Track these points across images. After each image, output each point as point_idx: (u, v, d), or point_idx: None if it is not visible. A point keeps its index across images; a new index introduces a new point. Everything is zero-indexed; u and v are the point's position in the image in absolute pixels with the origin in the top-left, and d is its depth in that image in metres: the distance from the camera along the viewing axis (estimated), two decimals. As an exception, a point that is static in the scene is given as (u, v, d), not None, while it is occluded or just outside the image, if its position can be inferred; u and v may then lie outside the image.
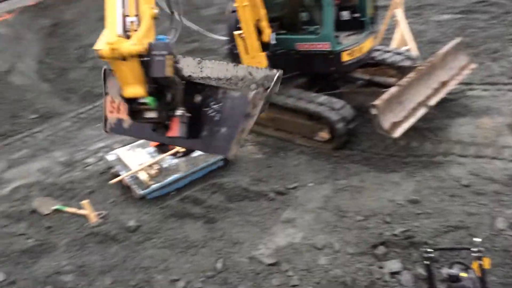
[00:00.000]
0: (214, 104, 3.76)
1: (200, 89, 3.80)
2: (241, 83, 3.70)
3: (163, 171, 7.04)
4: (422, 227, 5.26)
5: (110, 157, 7.55)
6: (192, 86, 3.82)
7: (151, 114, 3.60)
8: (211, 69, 3.80)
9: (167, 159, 7.26)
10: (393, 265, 4.89)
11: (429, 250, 3.62)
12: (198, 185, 6.91)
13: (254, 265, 5.38)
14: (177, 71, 3.50)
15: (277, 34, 7.47)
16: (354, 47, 7.49)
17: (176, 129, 3.64)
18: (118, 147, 8.19)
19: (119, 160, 7.39)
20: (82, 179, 7.47)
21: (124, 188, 7.01)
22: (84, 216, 6.41)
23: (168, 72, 3.32)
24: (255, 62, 7.19)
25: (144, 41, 3.26)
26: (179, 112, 3.60)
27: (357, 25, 7.83)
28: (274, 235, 5.83)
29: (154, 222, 6.27)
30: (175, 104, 3.58)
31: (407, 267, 4.81)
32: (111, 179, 7.15)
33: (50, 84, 12.24)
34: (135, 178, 6.91)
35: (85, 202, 6.41)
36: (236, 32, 7.31)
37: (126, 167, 7.16)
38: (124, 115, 3.93)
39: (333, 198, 6.23)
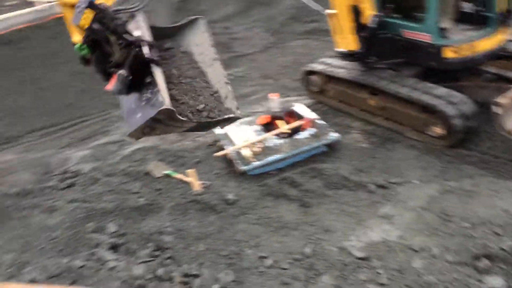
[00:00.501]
0: (151, 91, 3.94)
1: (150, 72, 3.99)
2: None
3: (266, 150, 7.20)
4: (537, 244, 4.69)
5: (218, 131, 7.92)
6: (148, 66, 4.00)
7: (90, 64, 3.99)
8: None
9: (272, 139, 7.40)
10: (495, 281, 4.45)
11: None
12: (298, 168, 6.94)
13: (343, 255, 5.31)
14: (116, 32, 3.74)
15: (385, 18, 7.05)
16: (462, 45, 6.76)
17: (111, 84, 3.89)
18: (228, 122, 8.57)
19: (226, 134, 7.73)
20: (192, 149, 7.96)
21: (228, 162, 7.34)
22: (189, 184, 6.86)
23: (82, 23, 3.63)
24: (345, 43, 6.91)
25: None
26: (120, 71, 3.82)
27: (480, 20, 7.05)
28: (369, 229, 5.66)
29: (251, 198, 6.48)
30: (114, 62, 3.84)
31: (511, 286, 4.35)
32: (216, 152, 7.54)
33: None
34: (238, 153, 7.18)
35: (191, 170, 6.86)
36: (327, 11, 7.07)
37: (231, 142, 7.46)
38: None
39: (439, 199, 5.82)
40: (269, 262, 5.30)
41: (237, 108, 4.25)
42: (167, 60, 4.38)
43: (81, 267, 4.47)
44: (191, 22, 4.48)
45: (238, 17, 12.50)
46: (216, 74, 4.33)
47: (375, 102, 7.85)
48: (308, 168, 6.89)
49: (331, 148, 7.30)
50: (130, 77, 4.01)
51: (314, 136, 7.35)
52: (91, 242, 5.24)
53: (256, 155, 7.06)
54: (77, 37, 3.83)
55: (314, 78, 8.96)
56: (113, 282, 4.31)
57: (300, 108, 8.08)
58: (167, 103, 3.79)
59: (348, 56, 8.11)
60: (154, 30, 4.21)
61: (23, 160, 8.19)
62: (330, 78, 8.66)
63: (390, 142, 7.32)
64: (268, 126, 7.71)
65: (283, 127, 7.53)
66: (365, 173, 6.64)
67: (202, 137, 8.44)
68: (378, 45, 7.36)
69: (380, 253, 5.20)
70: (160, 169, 7.43)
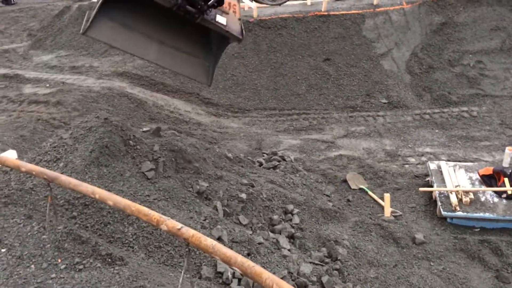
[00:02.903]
0: None
1: None
2: None
3: (477, 203, 6.48)
4: None
5: (432, 165, 7.45)
6: None
7: None
8: None
9: (488, 194, 6.61)
10: None
11: None
12: (507, 236, 6.06)
13: None
14: None
15: None
16: None
17: None
18: (444, 160, 7.99)
19: (439, 172, 7.22)
20: (396, 174, 7.71)
21: (430, 200, 6.87)
22: (381, 207, 6.70)
23: None
24: None
25: None
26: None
27: None
28: None
29: (441, 247, 5.96)
30: None
31: None
32: (422, 186, 7.12)
33: (412, 77, 12.70)
34: (445, 196, 6.64)
35: (387, 195, 6.67)
36: None
37: (442, 182, 6.94)
38: None
39: None
40: (438, 320, 4.85)
41: None
42: None
43: (260, 243, 4.87)
44: None
45: (499, 55, 11.32)
46: None
47: None
48: (521, 240, 5.94)
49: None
50: None
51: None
52: (275, 224, 5.63)
53: (464, 205, 6.42)
54: None
55: None
56: (280, 270, 4.56)
57: (535, 173, 6.95)
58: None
59: None
60: None
61: (244, 131, 9.25)
62: None
63: None
64: (489, 180, 6.88)
65: (508, 186, 6.61)
66: None
67: (411, 166, 8.09)
68: None
69: None
70: (357, 182, 7.45)
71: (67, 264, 3.65)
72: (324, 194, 6.98)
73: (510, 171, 6.85)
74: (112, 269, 3.51)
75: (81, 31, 4.92)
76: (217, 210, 5.16)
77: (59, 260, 3.70)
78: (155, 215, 3.31)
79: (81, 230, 4.20)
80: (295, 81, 11.34)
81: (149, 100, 9.52)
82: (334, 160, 8.32)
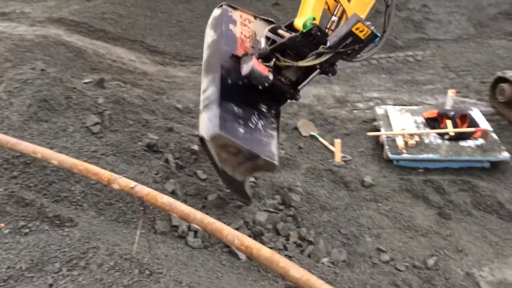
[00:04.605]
0: (263, 123, 4.19)
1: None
2: None
3: (421, 145, 6.74)
4: None
5: (379, 110, 7.61)
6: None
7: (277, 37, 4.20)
8: None
9: (432, 136, 6.87)
10: None
11: None
12: (449, 175, 6.39)
13: (467, 282, 4.87)
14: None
15: None
16: None
17: (259, 67, 3.97)
18: (390, 104, 8.18)
19: (385, 116, 7.39)
20: (345, 120, 7.83)
21: (377, 144, 7.06)
22: (331, 152, 6.82)
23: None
24: None
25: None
26: (270, 72, 4.01)
27: None
28: (508, 267, 5.06)
29: (388, 188, 6.21)
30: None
31: None
32: (370, 131, 7.30)
33: (359, 22, 12.73)
34: (391, 139, 6.85)
35: (337, 140, 6.78)
36: None
37: (388, 126, 7.13)
38: (240, 28, 4.48)
39: None
40: (385, 257, 5.12)
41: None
42: None
43: (216, 198, 4.84)
44: None
45: (444, -3, 11.47)
46: None
47: None
48: (460, 180, 6.29)
49: (495, 167, 6.53)
50: (267, 82, 4.07)
51: (480, 149, 6.62)
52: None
53: (409, 147, 6.66)
54: (316, 12, 3.96)
55: (505, 87, 7.90)
56: (236, 220, 4.58)
57: (476, 114, 7.28)
58: (277, 161, 4.11)
59: None
60: None
61: (193, 80, 8.95)
62: (524, 93, 7.57)
63: None
64: (432, 122, 7.14)
65: (450, 128, 6.90)
66: (526, 207, 5.83)
67: (359, 111, 8.24)
68: None
69: (512, 298, 4.64)
70: (308, 129, 7.51)
71: (11, 229, 3.44)
72: (276, 143, 6.99)
73: (452, 113, 7.14)
74: (61, 231, 3.35)
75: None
76: (168, 163, 5.03)
77: (2, 225, 3.48)
78: (105, 173, 3.15)
79: (23, 191, 3.96)
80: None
81: (88, 49, 8.92)
82: (284, 108, 8.29)
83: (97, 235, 3.39)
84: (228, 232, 2.62)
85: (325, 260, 4.80)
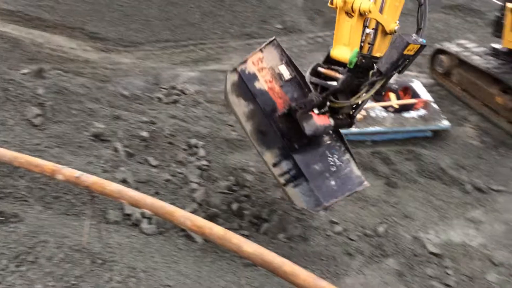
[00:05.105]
0: (338, 157, 4.13)
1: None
2: None
3: (367, 119, 6.95)
4: None
5: (326, 87, 7.76)
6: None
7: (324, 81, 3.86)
8: None
9: (377, 109, 7.10)
10: None
11: None
12: (394, 146, 6.66)
13: (415, 245, 5.12)
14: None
15: None
16: None
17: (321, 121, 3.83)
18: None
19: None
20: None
21: (326, 120, 7.22)
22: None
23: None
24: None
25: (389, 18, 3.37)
26: (331, 122, 3.86)
27: None
28: (451, 228, 5.38)
29: (339, 162, 6.38)
30: (357, 95, 3.73)
31: None
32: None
33: (304, 0, 12.81)
34: (339, 114, 7.01)
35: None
36: (509, 4, 6.28)
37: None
38: (262, 78, 4.14)
39: (539, 221, 5.30)
40: (338, 228, 5.28)
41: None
42: None
43: (167, 180, 4.80)
44: None
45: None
46: None
47: (504, 101, 7.10)
48: (405, 149, 6.57)
49: (437, 135, 6.86)
50: (331, 129, 4.06)
51: (423, 119, 6.92)
52: (181, 159, 5.57)
53: (357, 121, 6.83)
54: (346, 53, 3.68)
55: (443, 58, 8.27)
56: (190, 203, 4.58)
57: (418, 86, 7.58)
58: (364, 180, 4.15)
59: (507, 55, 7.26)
60: None
61: (139, 66, 8.75)
62: (461, 63, 7.94)
63: (504, 147, 6.68)
64: (377, 96, 7.35)
65: (393, 100, 7.16)
66: (466, 171, 6.20)
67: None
68: None
69: (456, 255, 4.95)
70: (258, 109, 7.54)
71: (-48, 229, 3.28)
72: (227, 124, 7.00)
73: (395, 86, 7.40)
74: (7, 227, 3.23)
75: None
76: (118, 151, 4.93)
77: None
78: (48, 164, 3.05)
79: (-37, 189, 3.77)
80: (188, 10, 10.83)
81: (25, 38, 8.49)
82: (234, 89, 8.28)
83: (45, 229, 3.29)
84: (180, 214, 2.63)
85: (281, 236, 4.89)
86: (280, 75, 4.18)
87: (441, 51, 8.29)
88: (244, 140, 6.58)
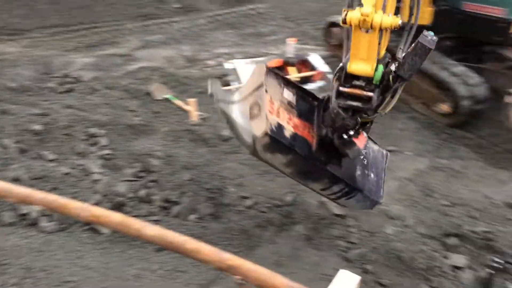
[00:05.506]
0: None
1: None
2: None
3: (270, 94, 7.11)
4: (508, 234, 4.79)
5: (228, 65, 7.81)
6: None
7: (355, 103, 3.45)
8: None
9: (278, 84, 7.28)
10: (459, 259, 4.57)
11: (497, 259, 3.28)
12: (297, 117, 6.91)
13: (321, 210, 5.40)
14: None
15: None
16: None
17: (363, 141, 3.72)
18: (239, 58, 8.43)
19: (234, 70, 7.61)
20: (197, 78, 7.88)
21: (230, 98, 7.28)
22: (187, 112, 6.85)
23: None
24: (422, 18, 6.64)
25: (396, 19, 3.12)
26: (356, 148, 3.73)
27: None
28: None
29: (245, 138, 6.50)
30: (384, 104, 3.46)
31: (472, 267, 4.48)
32: (222, 86, 7.46)
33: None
34: (242, 91, 7.10)
35: (192, 100, 6.82)
36: None
37: (238, 79, 7.37)
38: (284, 121, 3.75)
39: (426, 174, 5.85)
40: (249, 203, 5.41)
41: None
42: None
43: (66, 174, 4.56)
44: None
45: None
46: None
47: (390, 67, 7.67)
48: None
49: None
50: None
51: (322, 90, 7.23)
52: (81, 151, 5.32)
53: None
54: (366, 68, 3.33)
55: (336, 30, 8.67)
56: (93, 195, 4.41)
57: (315, 58, 7.90)
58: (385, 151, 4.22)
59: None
60: None
61: (26, 55, 8.12)
62: (352, 34, 8.38)
63: (394, 110, 7.15)
64: (279, 71, 7.56)
65: (293, 74, 7.40)
66: (361, 135, 6.61)
67: (211, 68, 8.34)
68: (440, 19, 7.03)
69: (357, 213, 5.29)
70: (161, 92, 7.40)
71: None
72: (129, 110, 6.79)
73: (294, 60, 7.65)
74: None
75: None
76: (7, 148, 4.58)
77: None
78: None
79: None
80: (77, -8, 10.20)
81: None
82: (135, 74, 8.04)
83: None
84: (74, 206, 2.52)
85: (192, 217, 4.91)
86: (290, 104, 3.84)
87: (333, 24, 8.68)
88: (148, 125, 6.45)
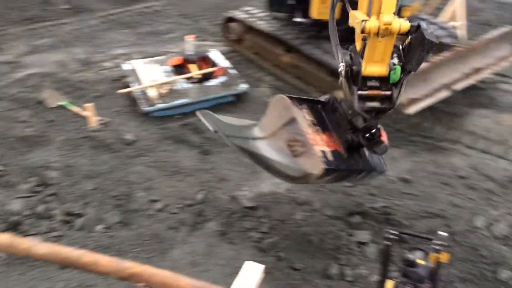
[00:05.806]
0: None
1: None
2: None
3: (173, 93, 7.01)
4: (404, 207, 5.23)
5: (126, 66, 7.54)
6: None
7: (377, 104, 3.47)
8: None
9: (181, 82, 7.20)
10: (363, 235, 4.91)
11: (391, 231, 3.56)
12: (201, 115, 6.89)
13: (233, 204, 5.47)
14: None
15: None
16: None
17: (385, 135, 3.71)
18: (137, 58, 8.17)
19: (133, 71, 7.38)
20: (94, 82, 7.52)
21: (131, 100, 7.05)
22: (85, 118, 6.52)
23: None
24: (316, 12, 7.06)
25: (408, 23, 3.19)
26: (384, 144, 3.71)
27: None
28: (261, 181, 5.86)
29: (150, 140, 6.34)
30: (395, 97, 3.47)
31: (375, 241, 4.83)
32: (121, 88, 7.19)
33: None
34: (144, 93, 6.92)
35: (89, 105, 6.49)
36: None
37: (138, 80, 7.16)
38: (321, 145, 3.66)
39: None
40: (159, 205, 5.31)
41: None
42: None
43: None
44: None
45: None
46: None
47: (288, 59, 7.92)
48: (213, 116, 6.85)
49: (239, 99, 7.31)
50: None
51: (224, 85, 7.29)
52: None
53: (162, 97, 6.86)
54: (382, 69, 3.37)
55: (233, 25, 8.75)
56: (-19, 217, 4.05)
57: (215, 54, 7.91)
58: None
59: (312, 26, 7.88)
60: None
61: None
62: (249, 29, 8.52)
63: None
64: (179, 69, 7.48)
65: (194, 71, 7.35)
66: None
67: (107, 70, 8.00)
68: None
69: (268, 204, 5.43)
70: (55, 99, 6.96)
71: None
72: (20, 121, 6.29)
73: (194, 57, 7.59)
74: None
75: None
76: None
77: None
78: None
79: None
80: None
81: None
82: (24, 81, 7.47)
83: None
84: (-49, 233, 2.29)
85: (99, 227, 4.71)
86: (313, 123, 3.72)
87: (231, 19, 8.76)
88: (43, 135, 6.04)
